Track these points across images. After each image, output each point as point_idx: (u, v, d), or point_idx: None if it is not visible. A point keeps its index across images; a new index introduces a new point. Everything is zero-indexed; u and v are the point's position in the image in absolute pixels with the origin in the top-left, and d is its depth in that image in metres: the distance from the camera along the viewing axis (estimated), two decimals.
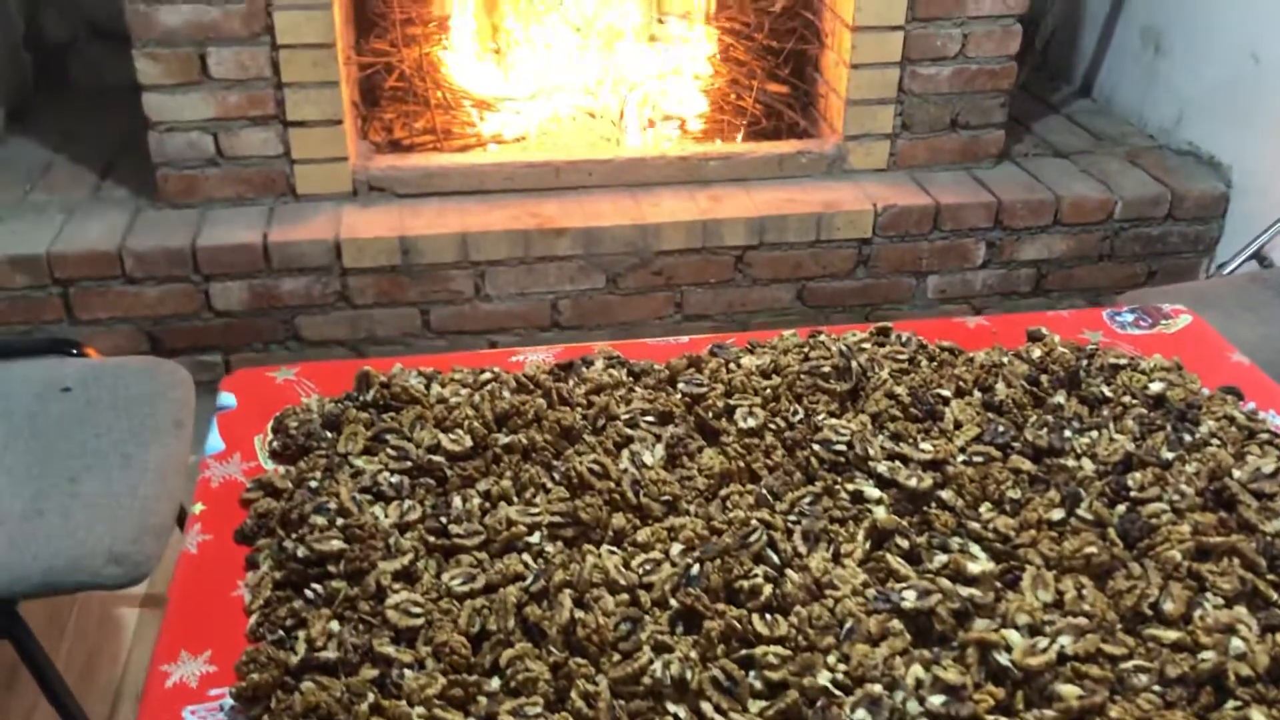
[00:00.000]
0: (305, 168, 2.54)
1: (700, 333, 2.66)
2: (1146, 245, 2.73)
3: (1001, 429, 1.09)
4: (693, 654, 0.85)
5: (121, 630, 1.99)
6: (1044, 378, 1.18)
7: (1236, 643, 0.85)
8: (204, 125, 2.46)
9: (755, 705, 0.83)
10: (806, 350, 1.20)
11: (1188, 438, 1.08)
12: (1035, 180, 2.71)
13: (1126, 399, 1.14)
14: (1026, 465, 1.05)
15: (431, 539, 0.97)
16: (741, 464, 1.04)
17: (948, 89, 2.67)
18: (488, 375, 1.18)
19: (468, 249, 2.49)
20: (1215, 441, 1.08)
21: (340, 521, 0.97)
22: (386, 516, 0.99)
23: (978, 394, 1.16)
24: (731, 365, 1.19)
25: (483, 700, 0.83)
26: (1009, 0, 2.60)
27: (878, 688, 0.82)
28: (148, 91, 2.41)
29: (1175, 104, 2.89)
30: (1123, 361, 1.19)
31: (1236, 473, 1.03)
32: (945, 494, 1.01)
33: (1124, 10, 3.09)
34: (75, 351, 1.83)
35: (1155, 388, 1.15)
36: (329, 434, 1.12)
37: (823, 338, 1.24)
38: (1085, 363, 1.20)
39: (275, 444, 1.13)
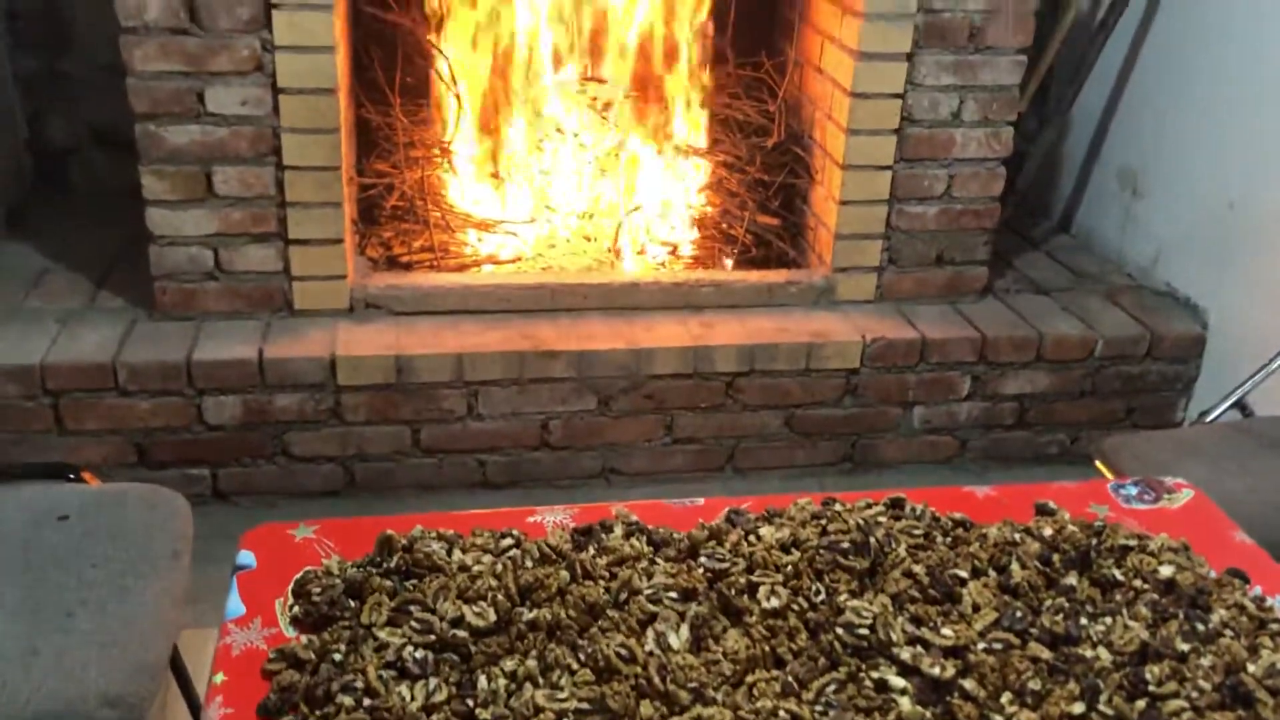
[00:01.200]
0: (303, 284, 2.56)
1: (689, 455, 2.69)
2: (1127, 383, 2.79)
3: (1019, 614, 1.11)
4: None
5: None
6: (1056, 557, 1.20)
7: None
8: (205, 240, 2.48)
9: None
10: (824, 523, 1.22)
11: (1201, 627, 1.11)
12: (1019, 317, 2.78)
13: (1138, 583, 1.17)
14: (1045, 654, 1.07)
15: None
16: (766, 647, 1.04)
17: (934, 226, 2.75)
18: (509, 541, 1.19)
19: (462, 369, 2.51)
20: (1228, 632, 1.11)
21: (367, 702, 0.97)
22: (413, 698, 0.98)
23: (993, 574, 1.18)
24: (751, 537, 1.21)
25: None
26: (994, 144, 2.69)
27: None
28: (152, 206, 2.44)
29: (1153, 245, 2.99)
30: (1132, 542, 1.22)
31: (1251, 668, 1.05)
32: (967, 683, 1.03)
33: (1101, 151, 3.21)
34: (73, 476, 1.82)
35: (1165, 571, 1.18)
36: (352, 602, 1.11)
37: (838, 507, 1.26)
38: (1095, 542, 1.23)
39: (297, 610, 1.13)
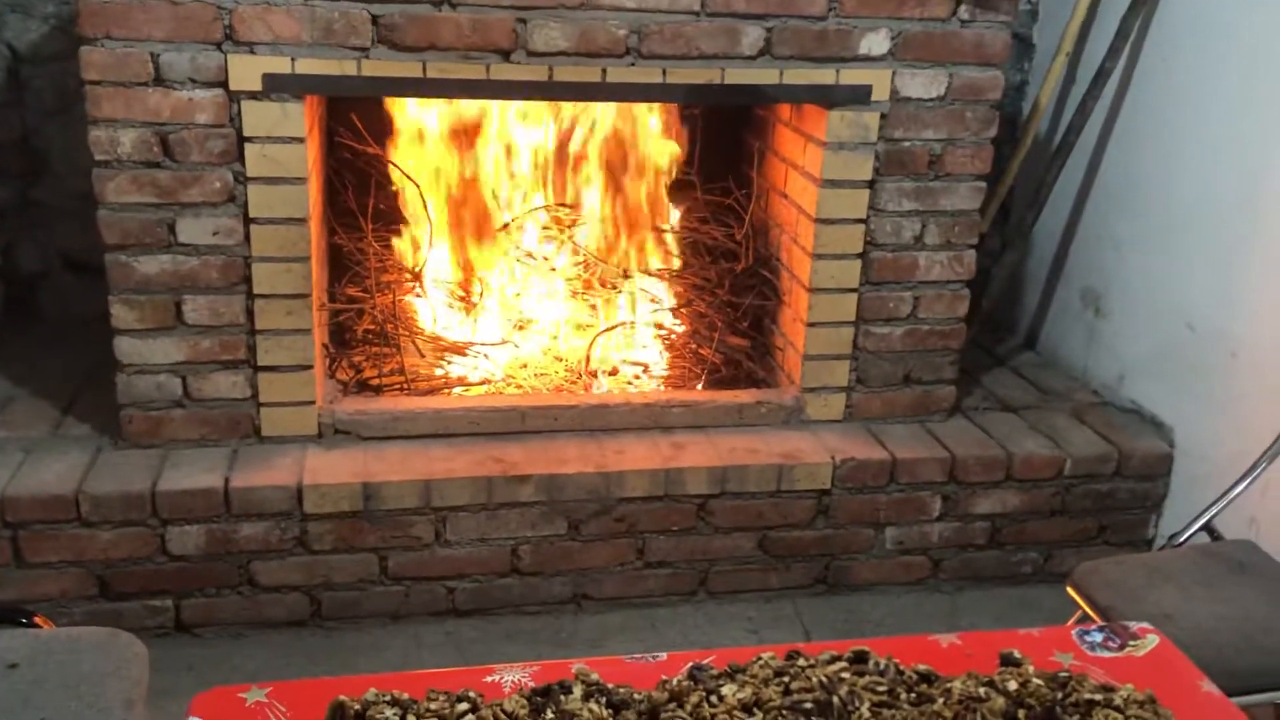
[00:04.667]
0: (272, 410, 2.56)
1: (661, 579, 2.66)
2: (1096, 501, 2.80)
3: None
4: None
5: None
6: (1021, 713, 1.18)
7: None
8: (174, 368, 2.48)
9: None
10: (787, 681, 1.20)
11: None
12: (987, 436, 2.80)
13: None
14: None
15: None
16: None
17: (900, 347, 2.78)
18: (464, 706, 1.16)
19: (430, 495, 2.49)
20: None
21: None
22: None
23: None
24: (713, 698, 1.19)
25: None
26: (957, 267, 2.74)
27: None
28: (120, 335, 2.44)
29: (1117, 363, 3.03)
30: (1098, 696, 1.21)
31: None
32: None
33: (1064, 272, 3.27)
34: (25, 621, 1.78)
35: None
36: None
37: (801, 661, 1.25)
38: (1060, 695, 1.21)
39: None
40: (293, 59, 2.32)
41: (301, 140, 2.39)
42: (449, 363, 2.85)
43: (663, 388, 2.93)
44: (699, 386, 2.90)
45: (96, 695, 1.61)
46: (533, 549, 2.58)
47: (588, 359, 2.90)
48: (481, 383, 2.84)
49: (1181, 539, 2.24)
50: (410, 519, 2.49)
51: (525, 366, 2.92)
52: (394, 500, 2.47)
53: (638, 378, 2.94)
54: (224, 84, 2.32)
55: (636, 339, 3.00)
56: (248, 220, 2.41)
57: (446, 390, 2.79)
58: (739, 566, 2.70)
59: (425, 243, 2.87)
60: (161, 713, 2.11)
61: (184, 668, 2.39)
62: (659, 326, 3.01)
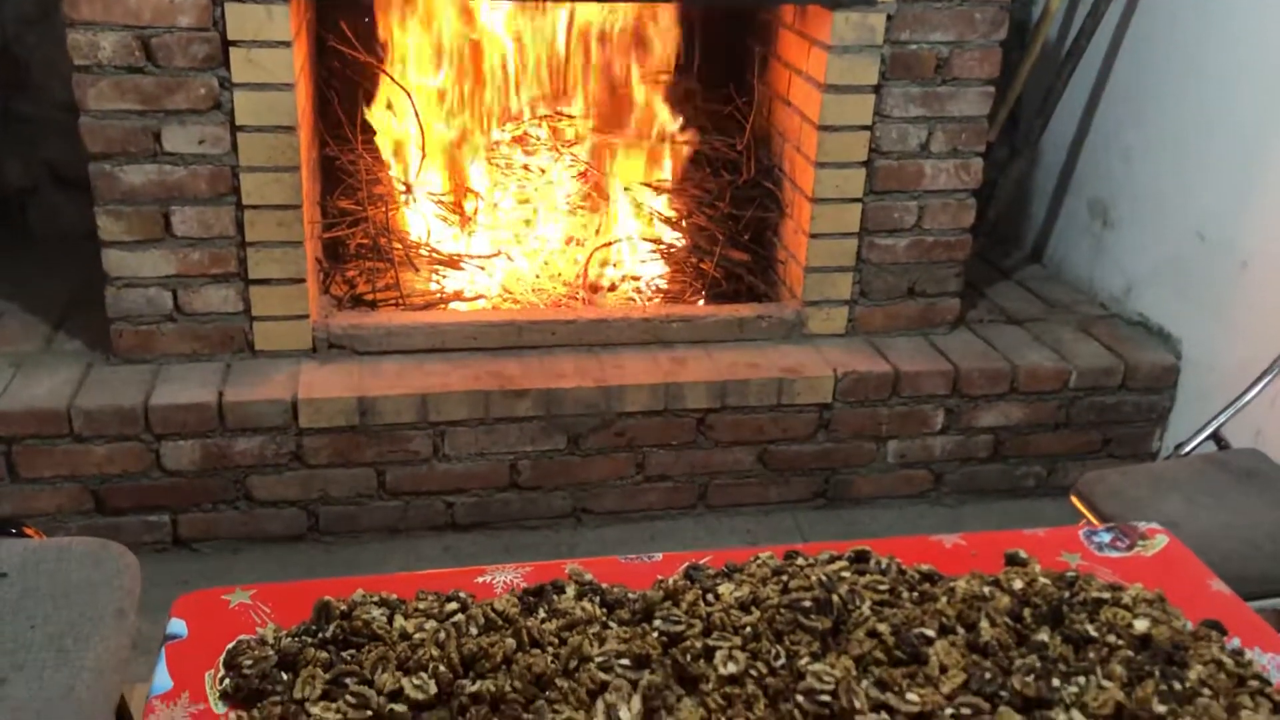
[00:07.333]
0: (265, 324, 2.51)
1: (661, 493, 2.64)
2: (1101, 414, 2.76)
3: (989, 675, 1.07)
4: None
5: None
6: (1027, 612, 1.16)
7: None
8: (163, 281, 2.43)
9: None
10: (786, 579, 1.18)
11: (1178, 685, 1.06)
12: (991, 348, 2.75)
13: (1111, 638, 1.13)
14: (1016, 718, 1.02)
15: None
16: (723, 718, 0.99)
17: (904, 259, 2.72)
18: (454, 605, 1.13)
19: (427, 410, 2.45)
20: (1206, 691, 1.06)
21: None
22: None
23: (961, 631, 1.13)
24: (709, 596, 1.16)
25: None
26: (963, 176, 2.67)
27: None
28: (108, 248, 2.39)
29: (1124, 275, 2.97)
30: (1105, 595, 1.18)
31: None
32: None
33: (1072, 182, 3.19)
34: (15, 531, 1.76)
35: (1140, 625, 1.14)
36: (285, 675, 1.06)
37: (800, 561, 1.22)
38: (1067, 594, 1.18)
39: (227, 684, 1.07)
40: None
41: (288, 44, 2.31)
42: (444, 277, 2.80)
43: (662, 302, 2.88)
44: (699, 301, 2.85)
45: (88, 604, 1.58)
46: (532, 463, 2.55)
47: (585, 273, 2.84)
48: (477, 298, 2.79)
49: (1188, 448, 2.20)
50: (407, 433, 2.46)
51: (522, 281, 2.86)
52: (391, 415, 2.44)
53: (639, 291, 2.89)
54: None
55: (636, 253, 2.94)
56: (234, 128, 2.34)
57: (442, 305, 2.74)
58: (739, 480, 2.67)
59: (418, 154, 2.80)
60: (158, 626, 2.11)
61: (181, 582, 2.37)
62: (658, 241, 2.94)
